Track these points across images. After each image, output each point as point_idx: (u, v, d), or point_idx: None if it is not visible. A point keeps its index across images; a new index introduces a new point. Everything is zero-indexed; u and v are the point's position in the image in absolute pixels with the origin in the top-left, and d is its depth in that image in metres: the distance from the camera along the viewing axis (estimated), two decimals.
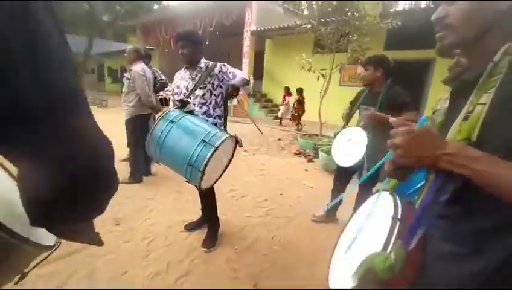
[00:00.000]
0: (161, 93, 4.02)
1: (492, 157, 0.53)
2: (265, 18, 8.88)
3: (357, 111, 2.38)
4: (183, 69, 2.06)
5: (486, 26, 0.60)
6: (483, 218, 0.58)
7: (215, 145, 1.54)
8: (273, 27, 8.29)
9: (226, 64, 1.99)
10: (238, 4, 8.68)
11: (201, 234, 2.19)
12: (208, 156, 1.51)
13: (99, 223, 2.23)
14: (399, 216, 0.66)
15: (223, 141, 1.58)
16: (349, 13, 4.89)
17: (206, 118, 1.93)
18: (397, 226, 0.64)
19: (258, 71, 9.72)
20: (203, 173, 1.53)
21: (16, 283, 0.53)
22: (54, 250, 0.56)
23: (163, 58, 13.38)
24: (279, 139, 5.80)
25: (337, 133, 2.36)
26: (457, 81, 0.70)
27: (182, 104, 1.77)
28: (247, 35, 8.83)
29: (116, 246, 2.00)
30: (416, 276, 0.65)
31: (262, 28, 8.58)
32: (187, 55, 1.92)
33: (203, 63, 1.98)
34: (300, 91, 7.52)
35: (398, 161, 0.61)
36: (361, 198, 2.28)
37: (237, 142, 1.84)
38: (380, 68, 2.14)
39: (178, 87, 2.05)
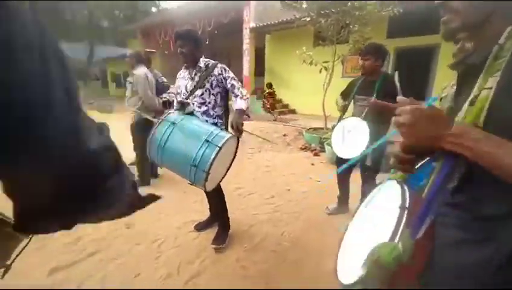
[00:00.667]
0: (164, 95, 4.02)
1: (497, 138, 0.52)
2: (263, 14, 8.80)
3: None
4: (183, 69, 2.05)
5: (490, 9, 0.59)
6: (492, 205, 0.57)
7: (219, 145, 1.52)
8: (272, 22, 8.21)
9: (226, 68, 1.95)
10: (236, 2, 8.62)
11: (210, 233, 2.20)
12: (213, 156, 1.50)
13: (112, 226, 2.27)
14: (407, 205, 0.65)
15: (226, 141, 1.57)
16: (349, 3, 4.80)
17: (206, 118, 1.91)
18: (405, 216, 0.63)
19: (259, 68, 9.66)
20: (207, 174, 1.52)
21: (2, 277, 0.53)
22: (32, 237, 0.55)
23: (163, 60, 13.43)
24: (284, 135, 5.77)
25: (335, 125, 2.34)
26: (463, 65, 0.68)
27: (182, 106, 1.76)
28: (246, 33, 8.77)
29: (127, 250, 2.03)
30: (424, 265, 0.64)
31: (261, 24, 8.52)
32: (186, 54, 1.90)
33: (202, 62, 1.96)
34: (270, 85, 8.72)
35: (402, 144, 0.61)
36: (365, 187, 2.28)
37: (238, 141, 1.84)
38: (380, 57, 2.13)
39: (179, 87, 2.05)
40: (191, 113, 1.76)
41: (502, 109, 0.54)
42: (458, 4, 0.61)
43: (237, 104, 1.90)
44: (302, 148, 4.96)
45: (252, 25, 8.62)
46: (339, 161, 2.39)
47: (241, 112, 1.88)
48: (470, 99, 0.60)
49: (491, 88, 0.55)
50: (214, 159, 1.51)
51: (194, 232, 2.27)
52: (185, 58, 1.92)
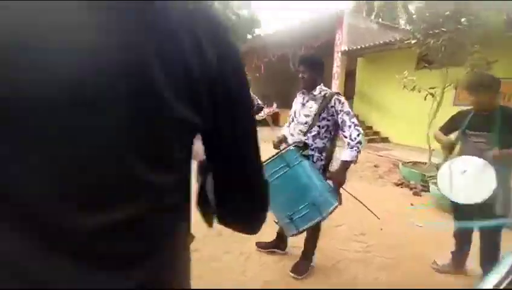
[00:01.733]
0: (257, 117, 4.33)
1: None
2: (357, 36, 8.54)
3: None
4: (299, 94, 2.02)
5: None
6: None
7: (323, 215, 1.54)
8: (367, 45, 7.85)
9: (342, 99, 1.81)
10: (327, 27, 8.68)
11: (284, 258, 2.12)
12: (313, 222, 1.54)
13: (204, 231, 2.41)
14: None
15: (331, 211, 1.58)
16: (462, 19, 4.14)
17: None
18: None
19: (348, 91, 9.32)
20: (299, 232, 1.57)
21: None
22: None
23: (254, 82, 14.53)
24: (375, 166, 5.26)
25: (441, 164, 1.98)
26: None
27: (304, 145, 1.71)
28: (337, 56, 8.67)
29: (219, 255, 2.20)
30: None
31: (354, 48, 8.26)
32: (306, 79, 1.86)
33: (318, 89, 1.87)
34: None
35: None
36: (486, 245, 1.89)
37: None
38: (496, 90, 1.80)
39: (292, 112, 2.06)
40: (307, 157, 1.70)
41: None
42: None
43: (343, 153, 1.73)
44: (397, 184, 4.36)
45: (344, 48, 8.47)
46: (457, 207, 1.99)
47: (345, 166, 1.74)
48: None
49: None
50: (313, 225, 1.56)
51: (273, 255, 2.25)
52: (304, 83, 1.88)
